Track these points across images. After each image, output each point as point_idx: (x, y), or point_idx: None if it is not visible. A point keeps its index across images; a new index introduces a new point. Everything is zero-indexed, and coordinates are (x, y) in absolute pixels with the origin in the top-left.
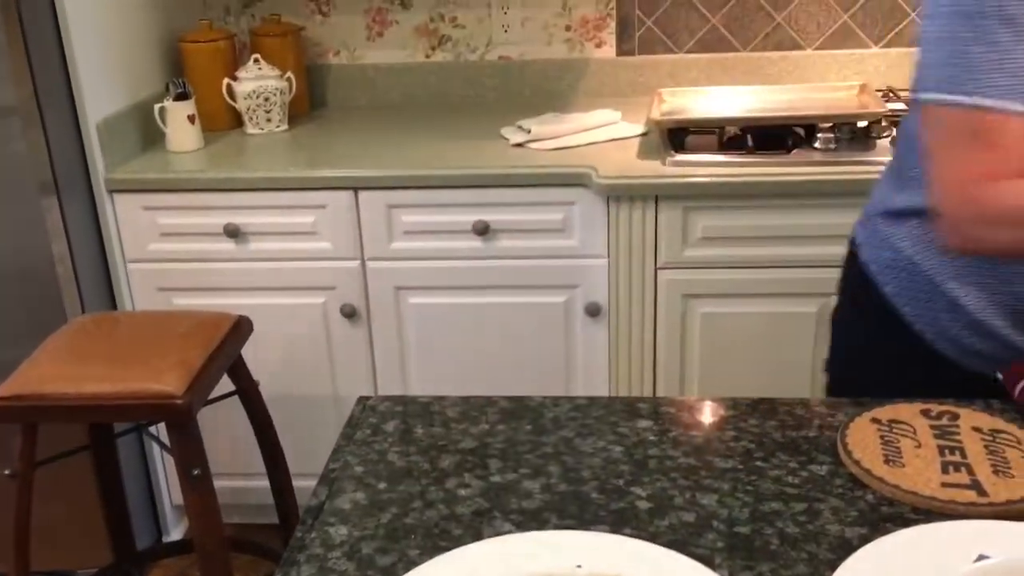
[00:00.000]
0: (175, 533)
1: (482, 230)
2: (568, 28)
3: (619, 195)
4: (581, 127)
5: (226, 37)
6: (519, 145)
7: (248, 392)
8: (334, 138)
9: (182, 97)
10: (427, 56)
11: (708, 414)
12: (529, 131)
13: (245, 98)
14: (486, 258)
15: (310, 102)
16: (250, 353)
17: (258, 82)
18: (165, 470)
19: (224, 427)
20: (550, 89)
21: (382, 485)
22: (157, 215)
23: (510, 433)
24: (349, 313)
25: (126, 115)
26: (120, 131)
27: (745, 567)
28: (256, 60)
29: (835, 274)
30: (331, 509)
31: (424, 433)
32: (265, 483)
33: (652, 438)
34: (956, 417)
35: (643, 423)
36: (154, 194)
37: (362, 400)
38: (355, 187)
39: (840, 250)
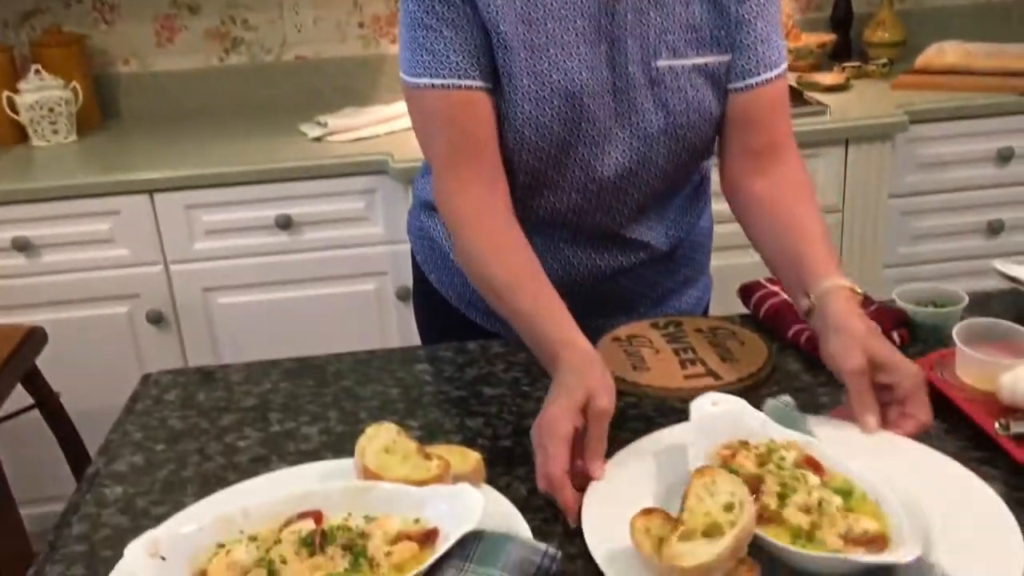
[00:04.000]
0: None
1: (285, 224)
2: (361, 25)
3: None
4: (380, 119)
5: (3, 50)
6: (317, 139)
7: (48, 404)
8: (127, 145)
9: None
10: (221, 60)
11: (480, 353)
12: (326, 125)
13: (28, 110)
14: (292, 252)
15: (101, 113)
16: (55, 370)
17: (40, 93)
18: None
19: (28, 451)
20: (349, 86)
21: (160, 447)
22: None
23: (292, 389)
24: (156, 319)
25: None
26: None
27: (503, 473)
28: (37, 71)
29: None
30: (107, 473)
31: (206, 398)
32: None
33: (428, 379)
34: (680, 324)
35: (420, 367)
36: None
37: (145, 377)
38: (150, 190)
39: None
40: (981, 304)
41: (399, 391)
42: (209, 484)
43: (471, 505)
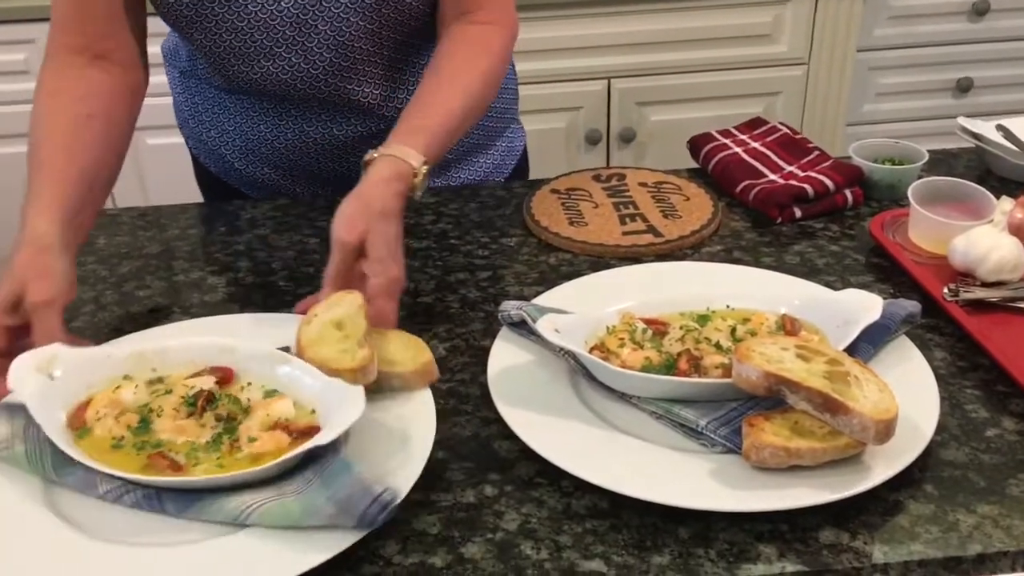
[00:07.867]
0: None
1: None
2: None
3: None
4: None
5: None
6: None
7: None
8: None
9: None
10: None
11: (409, 203)
12: None
13: None
14: None
15: None
16: None
17: None
18: None
19: None
20: None
21: None
22: None
23: (201, 235)
24: None
25: None
26: None
27: (423, 330)
28: None
29: None
30: None
31: (107, 243)
32: None
33: None
34: (623, 177)
35: None
36: None
37: None
38: None
39: None
40: (942, 163)
41: (318, 241)
42: (101, 337)
43: (346, 418)
